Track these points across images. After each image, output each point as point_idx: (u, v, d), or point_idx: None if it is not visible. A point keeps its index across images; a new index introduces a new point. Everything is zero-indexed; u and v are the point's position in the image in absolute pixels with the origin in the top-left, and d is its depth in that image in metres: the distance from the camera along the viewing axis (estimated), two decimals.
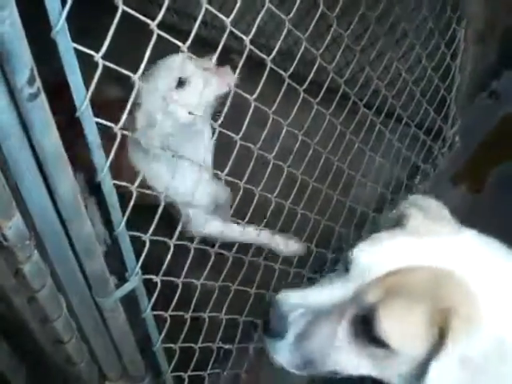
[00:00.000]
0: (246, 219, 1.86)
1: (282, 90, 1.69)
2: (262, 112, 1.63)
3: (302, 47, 1.69)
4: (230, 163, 1.61)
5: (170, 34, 1.17)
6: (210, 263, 1.76)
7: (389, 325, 1.00)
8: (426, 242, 1.06)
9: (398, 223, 1.14)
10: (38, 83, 1.00)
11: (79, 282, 1.37)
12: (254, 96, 1.56)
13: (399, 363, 1.04)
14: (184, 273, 1.66)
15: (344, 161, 2.29)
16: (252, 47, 1.44)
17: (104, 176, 1.18)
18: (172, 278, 1.63)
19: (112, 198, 1.25)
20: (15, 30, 0.92)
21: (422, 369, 1.02)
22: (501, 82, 3.48)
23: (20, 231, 1.15)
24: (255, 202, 1.84)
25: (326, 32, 1.84)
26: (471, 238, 1.11)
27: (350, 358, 1.09)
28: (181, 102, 2.00)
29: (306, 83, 1.77)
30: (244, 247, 1.95)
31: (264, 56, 1.51)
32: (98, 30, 1.08)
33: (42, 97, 1.02)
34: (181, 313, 1.74)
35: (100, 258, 1.32)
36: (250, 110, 1.56)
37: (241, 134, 1.57)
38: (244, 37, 1.41)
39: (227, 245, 1.84)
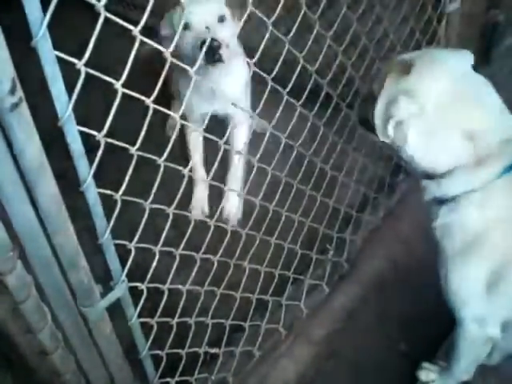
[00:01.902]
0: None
1: (266, 93, 1.68)
2: None
3: (285, 50, 1.69)
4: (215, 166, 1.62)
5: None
6: (196, 268, 1.75)
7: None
8: None
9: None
10: (20, 93, 0.98)
11: (64, 293, 1.34)
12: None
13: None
14: (170, 279, 1.64)
15: (327, 161, 2.28)
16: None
17: (88, 185, 1.16)
18: (158, 285, 1.61)
19: (97, 208, 1.23)
20: None
21: None
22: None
23: (2, 243, 1.12)
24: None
25: (306, 32, 1.82)
26: None
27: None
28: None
29: (290, 86, 1.77)
30: (230, 251, 1.93)
31: (248, 60, 1.49)
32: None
33: (24, 106, 1.00)
34: (167, 319, 1.72)
35: (85, 268, 1.29)
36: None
37: (225, 138, 1.56)
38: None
39: (212, 249, 1.82)
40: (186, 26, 2.29)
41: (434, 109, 1.55)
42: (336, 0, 2.07)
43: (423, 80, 1.58)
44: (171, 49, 1.23)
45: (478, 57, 3.34)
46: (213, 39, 2.22)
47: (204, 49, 1.64)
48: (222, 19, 2.36)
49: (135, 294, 1.51)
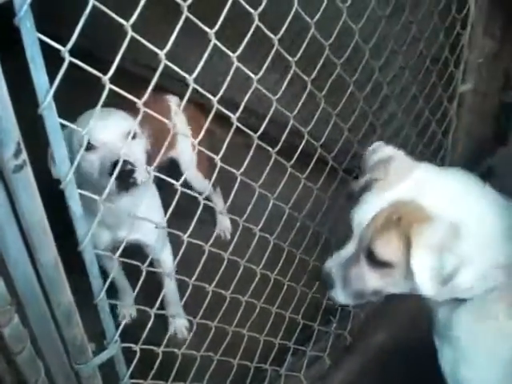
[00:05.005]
0: (231, 290, 1.89)
1: (270, 163, 1.75)
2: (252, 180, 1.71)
3: (292, 118, 1.75)
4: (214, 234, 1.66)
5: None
6: (193, 332, 1.77)
7: (380, 250, 1.50)
8: (390, 193, 1.51)
9: (368, 187, 1.57)
10: (24, 156, 1.04)
11: (58, 348, 1.37)
12: (241, 170, 1.61)
13: (398, 272, 1.50)
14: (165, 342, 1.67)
15: (335, 231, 2.31)
16: (220, 106, 1.44)
17: (85, 246, 1.22)
18: (152, 347, 1.63)
19: (93, 267, 1.27)
20: (4, 106, 0.96)
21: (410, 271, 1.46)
22: (495, 159, 3.51)
23: (2, 296, 1.17)
24: (241, 271, 1.87)
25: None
26: (422, 171, 1.54)
27: (375, 281, 1.57)
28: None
29: (295, 156, 1.84)
30: (228, 317, 1.95)
31: (230, 114, 1.52)
32: None
33: (28, 169, 1.06)
34: (160, 382, 1.73)
35: (79, 325, 1.33)
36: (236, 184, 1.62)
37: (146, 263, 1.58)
38: (211, 96, 1.41)
39: (210, 314, 1.85)
40: (89, 146, 1.89)
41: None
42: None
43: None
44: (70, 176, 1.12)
45: (494, 137, 3.42)
46: (125, 161, 1.81)
47: (115, 172, 1.45)
48: (133, 136, 1.98)
49: (129, 351, 1.55)
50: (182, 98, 2.59)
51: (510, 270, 1.48)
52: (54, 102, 1.02)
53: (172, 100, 2.70)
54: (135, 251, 2.14)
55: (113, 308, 1.44)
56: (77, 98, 2.22)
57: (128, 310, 2.73)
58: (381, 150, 1.64)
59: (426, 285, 1.44)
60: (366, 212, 1.53)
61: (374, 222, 1.50)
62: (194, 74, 1.30)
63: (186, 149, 2.68)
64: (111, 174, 1.74)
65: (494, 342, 1.56)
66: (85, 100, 1.25)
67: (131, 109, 1.80)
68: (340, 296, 1.65)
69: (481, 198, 1.54)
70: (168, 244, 2.46)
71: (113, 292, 2.55)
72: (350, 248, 1.60)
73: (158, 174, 1.41)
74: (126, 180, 1.85)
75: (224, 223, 3.19)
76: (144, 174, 1.91)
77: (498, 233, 1.49)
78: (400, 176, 1.53)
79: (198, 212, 1.53)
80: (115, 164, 1.77)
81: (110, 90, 1.14)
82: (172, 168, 2.57)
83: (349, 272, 1.60)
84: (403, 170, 1.54)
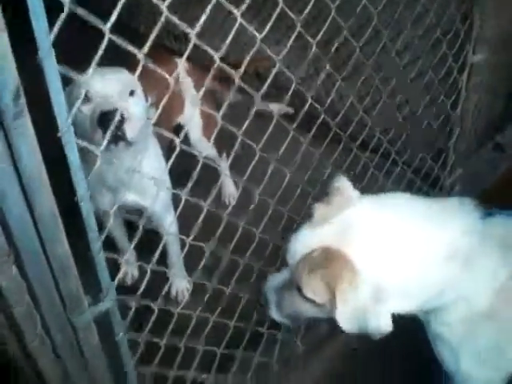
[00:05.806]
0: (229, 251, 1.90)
1: (271, 127, 1.74)
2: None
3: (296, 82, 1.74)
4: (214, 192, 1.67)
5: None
6: (190, 292, 1.78)
7: (306, 290, 1.53)
8: (322, 230, 1.53)
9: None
10: (23, 101, 1.03)
11: (55, 300, 1.39)
12: (241, 131, 1.60)
13: (325, 309, 1.53)
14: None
15: None
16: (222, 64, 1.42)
17: (82, 197, 1.22)
18: (148, 303, 1.65)
19: (90, 220, 1.28)
20: (2, 46, 0.94)
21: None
22: (505, 134, 3.48)
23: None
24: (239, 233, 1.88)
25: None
26: (361, 212, 1.54)
27: (307, 310, 1.60)
28: None
29: (297, 121, 1.83)
30: (226, 279, 1.97)
31: (233, 72, 1.51)
32: None
33: (27, 117, 1.05)
34: (156, 339, 1.75)
35: (75, 277, 1.34)
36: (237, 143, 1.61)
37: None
38: (213, 52, 1.38)
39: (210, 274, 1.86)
40: (85, 98, 1.87)
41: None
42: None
43: None
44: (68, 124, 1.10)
45: (504, 113, 3.38)
46: (116, 111, 1.77)
47: (110, 125, 1.40)
48: (131, 93, 1.98)
49: (127, 308, 1.56)
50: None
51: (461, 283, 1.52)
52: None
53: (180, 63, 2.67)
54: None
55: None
56: None
57: (130, 269, 2.75)
58: (337, 183, 1.62)
59: (351, 332, 1.52)
60: (298, 248, 1.56)
61: (303, 262, 1.52)
62: (197, 29, 1.28)
63: (193, 113, 2.67)
64: (100, 125, 1.75)
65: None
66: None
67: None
68: (276, 316, 1.74)
69: (417, 238, 1.51)
70: (172, 211, 2.45)
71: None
72: (285, 274, 1.64)
73: (157, 129, 1.41)
74: (114, 132, 1.81)
75: (229, 189, 3.20)
76: (136, 130, 1.89)
77: (435, 266, 1.51)
78: (336, 211, 1.53)
79: (197, 170, 1.53)
80: (105, 114, 1.78)
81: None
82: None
83: (283, 297, 1.66)
84: (342, 205, 1.54)
